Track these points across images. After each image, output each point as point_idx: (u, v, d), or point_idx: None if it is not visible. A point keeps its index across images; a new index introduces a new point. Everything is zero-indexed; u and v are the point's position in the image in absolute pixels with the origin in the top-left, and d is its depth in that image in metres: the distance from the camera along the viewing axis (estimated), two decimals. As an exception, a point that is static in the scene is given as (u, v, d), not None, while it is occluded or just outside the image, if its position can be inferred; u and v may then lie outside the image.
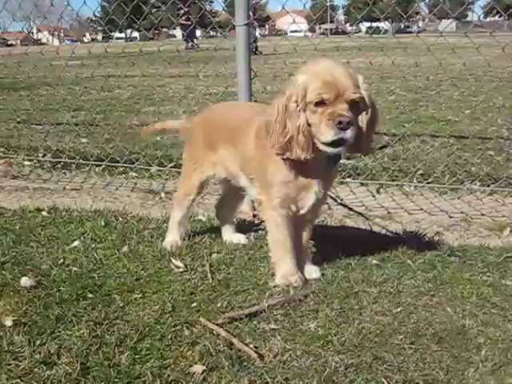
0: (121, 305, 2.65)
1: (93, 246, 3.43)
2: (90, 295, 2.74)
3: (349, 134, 2.51)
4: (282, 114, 2.62)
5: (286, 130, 2.61)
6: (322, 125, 2.54)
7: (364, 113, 2.64)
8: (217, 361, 2.17)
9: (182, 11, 24.17)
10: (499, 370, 2.14)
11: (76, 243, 3.46)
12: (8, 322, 2.45)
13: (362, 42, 5.04)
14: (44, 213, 4.11)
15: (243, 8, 4.09)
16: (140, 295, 2.75)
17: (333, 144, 2.56)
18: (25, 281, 2.87)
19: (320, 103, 2.54)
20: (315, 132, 2.58)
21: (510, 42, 4.53)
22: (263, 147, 2.81)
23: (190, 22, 23.50)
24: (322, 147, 2.60)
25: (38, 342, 2.29)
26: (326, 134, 2.53)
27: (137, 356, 2.21)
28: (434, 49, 4.53)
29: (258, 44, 22.55)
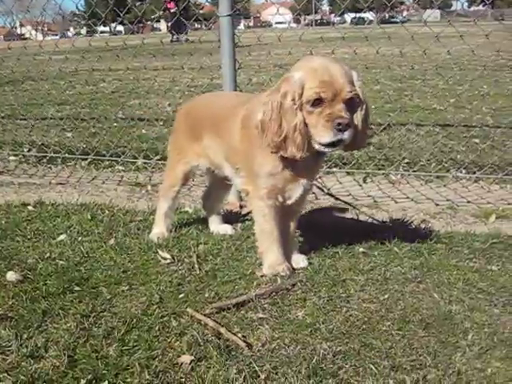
0: (108, 297, 2.64)
1: (79, 239, 3.42)
2: (76, 288, 2.73)
3: (347, 134, 2.52)
4: (276, 111, 2.58)
5: (282, 128, 2.58)
6: (320, 126, 2.53)
7: (359, 110, 2.64)
8: (205, 351, 2.17)
9: None
10: (486, 354, 2.15)
11: (62, 237, 3.44)
12: (-6, 317, 2.44)
13: (346, 32, 5.03)
14: (30, 207, 4.08)
15: (227, -2, 4.07)
16: (127, 287, 2.74)
17: (330, 145, 2.56)
18: (11, 275, 2.85)
19: (317, 102, 2.53)
20: (312, 132, 2.57)
21: (493, 31, 4.56)
22: (249, 137, 2.80)
23: (175, 8, 23.09)
24: (318, 147, 2.60)
25: (25, 336, 2.28)
26: (324, 135, 2.53)
27: (124, 348, 2.21)
28: (418, 38, 4.54)
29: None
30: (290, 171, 2.77)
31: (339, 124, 2.49)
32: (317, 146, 2.60)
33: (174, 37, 23.61)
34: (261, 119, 2.65)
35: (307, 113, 2.56)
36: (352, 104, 2.58)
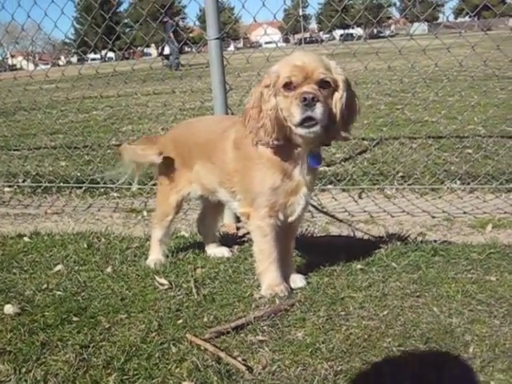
0: (106, 326, 2.62)
1: (76, 268, 3.40)
2: (75, 318, 2.71)
3: (317, 111, 2.53)
4: (257, 100, 2.69)
5: (261, 115, 2.66)
6: (291, 106, 2.57)
7: (337, 95, 2.64)
8: (205, 376, 2.16)
9: (167, 22, 22.92)
10: (488, 366, 2.14)
11: (59, 267, 3.43)
12: (-8, 352, 2.42)
13: (334, 49, 5.06)
14: (26, 238, 4.07)
15: (214, 22, 4.11)
16: (125, 315, 2.72)
17: (303, 124, 2.57)
18: (8, 308, 2.84)
19: (289, 86, 2.59)
20: (287, 116, 2.62)
21: (480, 41, 4.59)
22: (244, 158, 2.82)
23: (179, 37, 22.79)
24: (295, 130, 2.62)
25: (24, 370, 2.26)
26: (294, 113, 2.56)
27: (125, 377, 2.19)
28: (406, 52, 4.57)
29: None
30: (290, 183, 2.78)
31: (304, 99, 2.51)
32: (294, 130, 2.63)
33: (165, 61, 23.50)
34: (245, 108, 2.76)
35: (283, 98, 2.62)
36: (327, 88, 2.61)
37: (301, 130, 2.60)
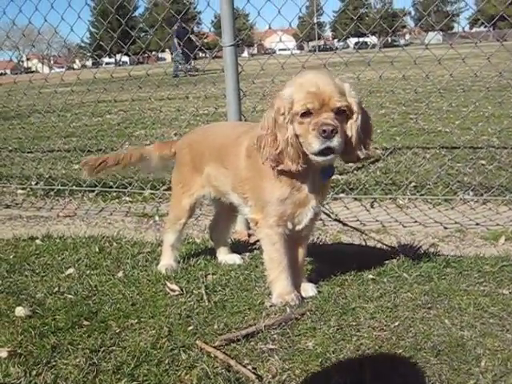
0: (117, 331, 2.62)
1: (87, 272, 3.41)
2: (85, 322, 2.72)
3: (335, 141, 2.52)
4: (271, 126, 2.65)
5: (277, 142, 2.63)
6: (309, 135, 2.55)
7: (352, 120, 2.64)
8: (215, 384, 2.15)
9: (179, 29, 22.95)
10: (500, 381, 2.12)
11: (70, 270, 3.44)
12: (3, 354, 2.42)
13: (349, 57, 5.06)
14: (38, 241, 4.09)
15: (229, 28, 4.12)
16: (136, 320, 2.72)
17: (321, 153, 2.56)
18: (19, 310, 2.85)
19: (306, 113, 2.56)
20: (303, 143, 2.60)
21: (495, 52, 4.57)
22: (256, 166, 2.81)
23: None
24: (312, 157, 2.61)
25: (34, 373, 2.27)
26: (312, 144, 2.55)
27: (134, 383, 2.19)
28: (421, 61, 4.56)
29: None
30: (299, 195, 2.78)
31: (324, 131, 2.50)
32: (311, 157, 2.61)
33: (188, 66, 23.44)
34: (258, 135, 2.71)
35: (298, 124, 2.60)
36: (343, 114, 2.60)
37: (318, 158, 2.60)
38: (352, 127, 2.64)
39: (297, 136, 2.61)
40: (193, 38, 20.25)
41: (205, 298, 2.94)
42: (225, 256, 3.56)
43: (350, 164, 4.91)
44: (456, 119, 8.13)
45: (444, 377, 2.15)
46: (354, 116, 2.64)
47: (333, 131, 2.50)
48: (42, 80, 6.23)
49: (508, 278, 3.07)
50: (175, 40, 22.49)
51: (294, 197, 2.78)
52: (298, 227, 2.88)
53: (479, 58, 5.45)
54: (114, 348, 2.47)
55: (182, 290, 3.06)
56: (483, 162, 5.79)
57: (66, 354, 2.43)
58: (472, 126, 7.45)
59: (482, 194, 4.67)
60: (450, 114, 8.89)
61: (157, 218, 4.80)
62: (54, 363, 2.36)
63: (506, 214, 4.41)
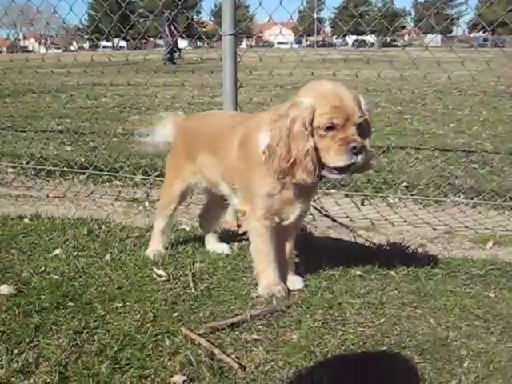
0: (101, 314, 2.61)
1: (75, 254, 3.40)
2: (70, 304, 2.71)
3: (360, 158, 2.52)
4: (285, 137, 2.57)
5: (290, 154, 2.56)
6: (334, 150, 2.53)
7: (370, 134, 2.67)
8: (198, 371, 2.15)
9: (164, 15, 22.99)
10: (482, 382, 2.13)
11: (58, 251, 3.42)
12: (-14, 331, 2.41)
13: (347, 54, 5.05)
14: (26, 220, 4.07)
15: (230, 18, 4.09)
16: (121, 304, 2.71)
17: (342, 168, 2.56)
18: (4, 288, 2.83)
19: (330, 128, 2.53)
20: (325, 157, 2.57)
21: (493, 57, 4.58)
22: (248, 158, 2.80)
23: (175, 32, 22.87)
24: (327, 172, 2.60)
25: (16, 351, 2.26)
26: (338, 159, 2.53)
27: (117, 366, 2.18)
28: (419, 62, 4.55)
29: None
30: (288, 193, 2.78)
31: (354, 148, 2.50)
32: (326, 172, 2.60)
33: (175, 54, 23.37)
34: (268, 144, 2.63)
35: (319, 137, 2.55)
36: (362, 128, 2.59)
37: (335, 175, 2.62)
38: (368, 141, 2.65)
39: (316, 149, 2.57)
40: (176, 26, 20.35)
41: (191, 285, 2.94)
42: (213, 245, 3.55)
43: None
44: (451, 122, 8.15)
45: (427, 376, 2.16)
46: (370, 130, 2.66)
47: (362, 148, 2.51)
48: (39, 59, 6.18)
49: (494, 281, 3.09)
50: (166, 27, 22.44)
51: (282, 194, 2.78)
52: (286, 222, 2.88)
53: (476, 63, 5.47)
54: (97, 330, 2.46)
55: (168, 276, 3.05)
56: (475, 165, 5.80)
57: (50, 333, 2.42)
58: (466, 129, 7.47)
59: (472, 198, 4.68)
60: (445, 116, 8.91)
61: (147, 203, 4.78)
62: (36, 342, 2.35)
63: (495, 219, 4.43)
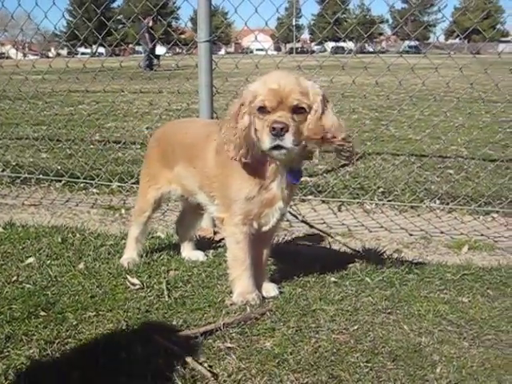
0: (74, 323, 2.58)
1: (48, 262, 3.36)
2: (42, 313, 2.67)
3: (286, 140, 2.52)
4: (235, 115, 2.68)
5: (235, 130, 2.66)
6: (263, 132, 2.57)
7: (314, 119, 2.61)
8: (170, 380, 2.13)
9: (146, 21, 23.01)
10: (454, 388, 2.14)
11: (31, 260, 3.38)
12: (-45, 341, 2.37)
13: (324, 60, 5.06)
14: (0, 229, 4.01)
15: (206, 25, 4.09)
16: (94, 313, 2.69)
17: (273, 150, 2.57)
18: (-25, 299, 2.79)
19: (264, 110, 2.58)
20: (259, 138, 2.61)
21: (468, 64, 4.62)
22: (225, 164, 2.80)
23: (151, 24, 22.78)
24: (266, 152, 2.63)
25: (-15, 362, 2.22)
26: (264, 140, 2.57)
27: (88, 375, 2.15)
28: (395, 69, 4.58)
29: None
30: (266, 195, 2.78)
31: (273, 128, 2.51)
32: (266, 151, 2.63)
33: (152, 61, 23.21)
34: (221, 121, 2.80)
35: (257, 120, 2.62)
36: (303, 112, 2.59)
37: (271, 153, 2.62)
38: (314, 126, 2.60)
39: (255, 130, 2.63)
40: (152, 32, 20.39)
41: (165, 293, 2.92)
42: (189, 252, 3.54)
43: (319, 166, 4.90)
44: (427, 128, 8.21)
45: (399, 382, 2.16)
46: (314, 113, 2.61)
47: (282, 129, 2.51)
48: (14, 66, 6.12)
49: (468, 286, 3.11)
50: (145, 34, 22.39)
51: (261, 196, 2.78)
52: (265, 228, 2.88)
53: (451, 70, 5.50)
54: (69, 340, 2.43)
55: (142, 284, 3.03)
56: (451, 171, 5.85)
57: (20, 344, 2.39)
58: (442, 135, 7.53)
59: (448, 203, 4.72)
60: (421, 122, 8.98)
61: (123, 211, 4.75)
62: (6, 353, 2.31)
63: (470, 224, 4.47)
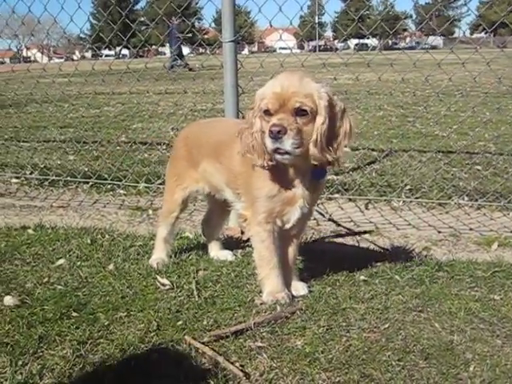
0: (105, 323, 2.61)
1: (78, 263, 3.40)
2: (74, 314, 2.70)
3: (285, 143, 2.51)
4: (250, 120, 2.70)
5: (251, 137, 2.68)
6: (265, 135, 2.57)
7: (319, 122, 2.57)
8: (202, 380, 2.14)
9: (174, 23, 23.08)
10: (488, 387, 2.12)
11: (61, 261, 3.42)
12: (-10, 343, 2.41)
13: (349, 58, 5.05)
14: (30, 230, 4.07)
15: (230, 24, 4.10)
16: (125, 314, 2.71)
17: (276, 153, 2.56)
18: (8, 300, 2.83)
19: (267, 113, 2.58)
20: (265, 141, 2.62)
21: (495, 58, 4.56)
22: (248, 162, 2.80)
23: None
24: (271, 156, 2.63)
25: (20, 363, 2.25)
26: (266, 144, 2.57)
27: (121, 376, 2.17)
28: (421, 65, 4.54)
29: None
30: (287, 194, 2.77)
31: (271, 131, 2.51)
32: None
33: (178, 62, 23.35)
34: (239, 128, 2.78)
35: (265, 123, 2.62)
36: (306, 115, 2.56)
37: (274, 157, 2.61)
38: (319, 129, 2.57)
39: (263, 133, 2.62)
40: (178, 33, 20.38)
41: (195, 293, 2.93)
42: (217, 252, 3.55)
43: (345, 164, 4.89)
44: (453, 124, 8.13)
45: (432, 380, 2.15)
46: (318, 117, 2.57)
47: (279, 132, 2.50)
48: (40, 69, 6.19)
49: (499, 283, 3.07)
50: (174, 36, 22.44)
51: (282, 194, 2.78)
52: (287, 226, 2.87)
53: (478, 64, 5.46)
54: (101, 340, 2.45)
55: (172, 284, 3.04)
56: (479, 167, 5.79)
57: (54, 344, 2.41)
58: (469, 131, 7.46)
59: (476, 200, 4.66)
60: (448, 118, 8.90)
61: (150, 211, 4.78)
62: (40, 354, 2.34)
63: (499, 220, 4.41)
